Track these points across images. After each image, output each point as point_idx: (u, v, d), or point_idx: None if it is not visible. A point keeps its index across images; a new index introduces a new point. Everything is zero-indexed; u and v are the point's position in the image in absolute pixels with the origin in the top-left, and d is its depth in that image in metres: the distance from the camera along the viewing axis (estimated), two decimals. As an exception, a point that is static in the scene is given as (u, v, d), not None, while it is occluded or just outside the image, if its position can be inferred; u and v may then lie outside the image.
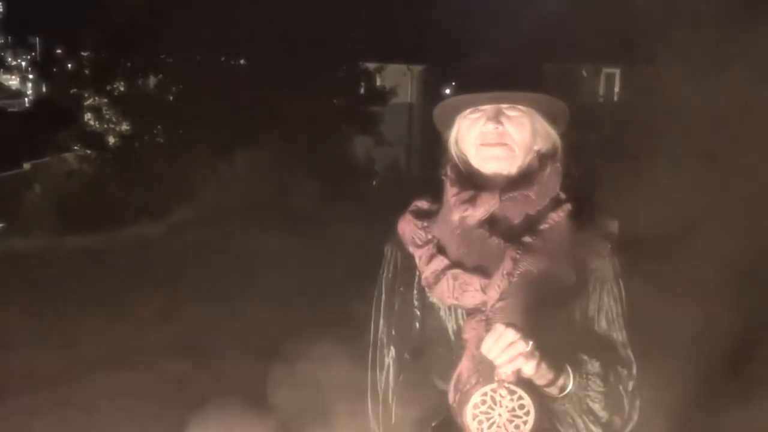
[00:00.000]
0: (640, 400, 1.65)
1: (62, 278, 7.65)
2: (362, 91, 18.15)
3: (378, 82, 18.40)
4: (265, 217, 9.53)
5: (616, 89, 17.24)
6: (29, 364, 5.17)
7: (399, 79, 19.32)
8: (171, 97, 16.98)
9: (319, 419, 4.20)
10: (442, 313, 1.66)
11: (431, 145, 1.83)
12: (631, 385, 1.64)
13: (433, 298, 1.67)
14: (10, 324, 5.96)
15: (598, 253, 1.64)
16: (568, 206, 1.63)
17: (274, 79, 15.51)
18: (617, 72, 17.91)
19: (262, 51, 15.85)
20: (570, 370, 1.56)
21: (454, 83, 1.72)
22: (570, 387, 1.56)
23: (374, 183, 16.56)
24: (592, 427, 1.60)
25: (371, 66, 18.12)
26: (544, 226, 1.60)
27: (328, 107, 16.74)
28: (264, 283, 7.03)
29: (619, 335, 1.66)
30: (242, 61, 17.22)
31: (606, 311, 1.65)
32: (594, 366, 1.59)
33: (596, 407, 1.59)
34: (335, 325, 5.71)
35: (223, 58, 16.94)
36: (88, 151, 17.21)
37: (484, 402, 1.46)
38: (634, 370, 1.65)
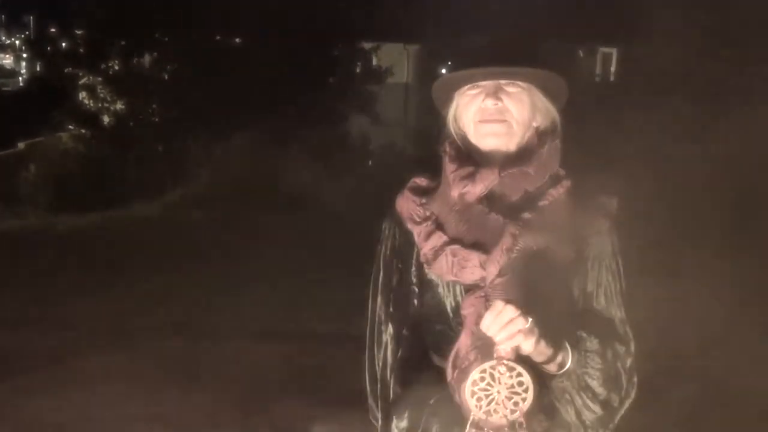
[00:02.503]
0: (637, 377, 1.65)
1: (57, 258, 7.65)
2: (358, 70, 18.06)
3: (374, 62, 18.30)
4: (261, 197, 9.53)
5: (613, 68, 17.21)
6: (25, 345, 5.17)
7: (395, 59, 19.20)
8: (166, 77, 16.87)
9: (316, 397, 4.22)
10: (440, 289, 1.65)
11: (428, 125, 1.82)
12: (629, 362, 1.63)
13: (432, 274, 1.66)
14: (4, 304, 5.95)
15: (597, 229, 1.63)
16: (567, 183, 1.63)
17: (270, 59, 15.41)
18: (614, 51, 17.87)
19: (258, 30, 15.74)
20: (569, 347, 1.55)
21: (452, 60, 1.70)
22: (569, 364, 1.56)
23: (370, 163, 16.51)
24: (590, 404, 1.59)
25: (367, 45, 18.01)
26: (543, 203, 1.60)
27: (323, 86, 16.66)
28: (259, 262, 7.04)
29: (618, 312, 1.65)
30: (237, 40, 17.11)
31: (605, 288, 1.64)
32: (593, 343, 1.58)
33: (594, 384, 1.59)
34: (332, 303, 5.74)
35: (218, 37, 16.83)
36: (83, 131, 17.10)
37: (483, 379, 1.45)
38: (633, 348, 1.65)
